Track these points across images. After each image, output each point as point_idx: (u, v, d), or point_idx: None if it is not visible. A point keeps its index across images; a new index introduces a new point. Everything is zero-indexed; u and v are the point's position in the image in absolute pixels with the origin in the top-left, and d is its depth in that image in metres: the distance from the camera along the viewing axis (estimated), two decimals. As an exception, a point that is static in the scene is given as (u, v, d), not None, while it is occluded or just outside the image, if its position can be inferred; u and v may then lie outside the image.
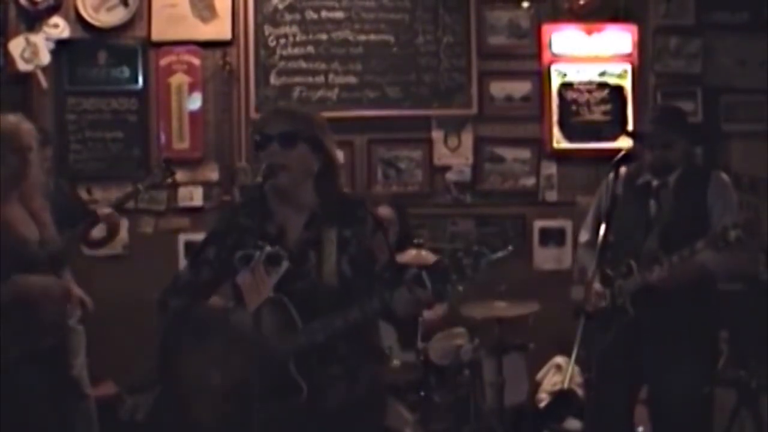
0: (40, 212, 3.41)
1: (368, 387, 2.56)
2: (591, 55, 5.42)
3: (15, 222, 3.28)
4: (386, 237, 2.64)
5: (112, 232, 4.27)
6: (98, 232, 4.38)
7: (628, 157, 3.54)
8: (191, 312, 2.60)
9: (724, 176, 3.60)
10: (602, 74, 5.44)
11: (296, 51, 5.35)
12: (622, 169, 3.59)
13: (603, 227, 3.34)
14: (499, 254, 2.36)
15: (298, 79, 5.35)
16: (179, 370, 2.59)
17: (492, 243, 5.33)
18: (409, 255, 4.36)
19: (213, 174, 5.30)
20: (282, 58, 5.34)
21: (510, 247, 2.40)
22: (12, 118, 3.41)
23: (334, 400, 2.49)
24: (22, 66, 5.19)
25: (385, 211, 4.61)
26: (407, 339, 4.16)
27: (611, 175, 3.49)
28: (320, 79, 5.36)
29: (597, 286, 3.48)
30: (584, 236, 3.81)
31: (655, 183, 3.57)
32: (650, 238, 3.50)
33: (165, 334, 2.66)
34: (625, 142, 4.31)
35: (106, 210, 4.20)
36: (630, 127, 5.25)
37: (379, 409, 2.68)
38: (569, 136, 5.43)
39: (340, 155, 5.14)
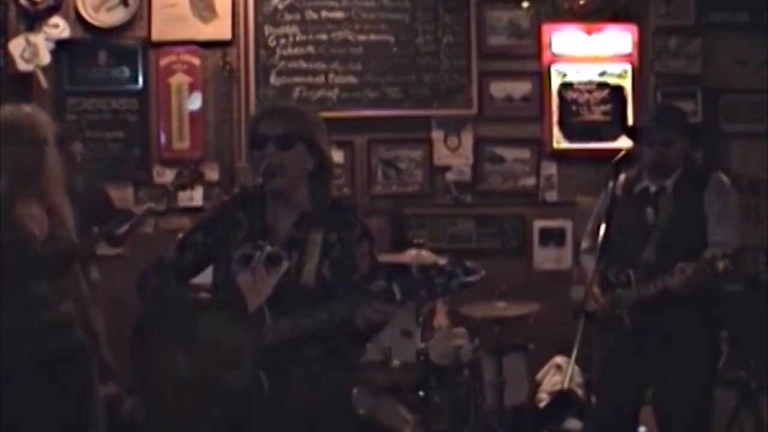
0: (57, 209, 3.31)
1: (330, 393, 2.54)
2: (591, 55, 5.42)
3: (25, 218, 3.21)
4: (372, 247, 2.61)
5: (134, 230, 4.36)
6: (120, 229, 4.46)
7: (628, 157, 3.53)
8: (168, 293, 2.59)
9: (724, 178, 3.55)
10: (602, 74, 5.44)
11: (296, 51, 5.36)
12: (621, 175, 3.58)
13: (602, 228, 3.35)
14: (470, 278, 2.34)
15: (298, 79, 5.35)
16: (149, 357, 2.59)
17: (488, 244, 5.37)
18: (409, 255, 4.35)
19: (213, 174, 5.30)
20: (282, 58, 5.35)
21: (483, 272, 2.38)
22: (28, 109, 3.31)
23: (293, 403, 2.47)
24: (23, 66, 5.19)
25: (374, 222, 4.63)
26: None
27: (611, 176, 3.49)
28: (320, 79, 5.36)
29: (596, 290, 3.46)
30: (585, 243, 3.81)
31: (653, 189, 3.54)
32: (648, 248, 3.47)
33: (139, 317, 2.67)
34: (625, 142, 4.31)
35: (143, 209, 4.26)
36: (630, 123, 5.25)
37: (339, 417, 2.64)
38: (569, 136, 5.43)
39: (339, 155, 5.24)
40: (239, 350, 2.42)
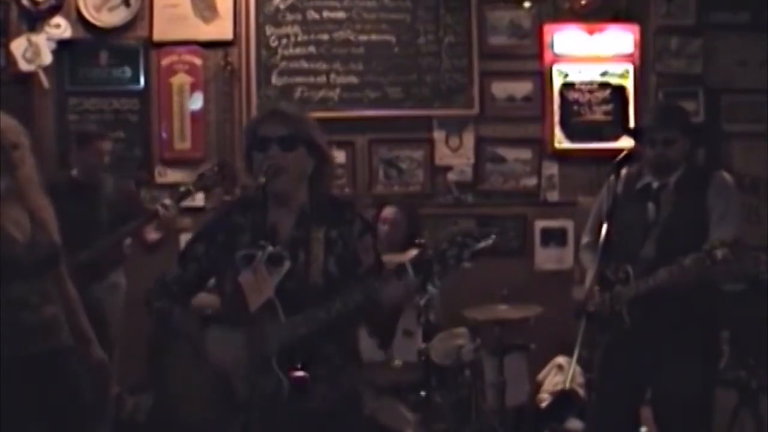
0: (37, 211, 3.31)
1: (349, 388, 2.57)
2: (592, 55, 5.43)
3: (3, 222, 3.21)
4: (374, 240, 2.63)
5: (166, 232, 4.34)
6: (154, 235, 4.45)
7: (630, 157, 3.53)
8: (175, 313, 2.60)
9: (727, 176, 3.54)
10: (604, 74, 5.44)
11: (298, 51, 5.36)
12: (623, 170, 3.57)
13: (605, 227, 3.34)
14: (482, 244, 2.35)
15: (299, 79, 5.36)
16: (166, 369, 2.60)
17: (479, 232, 5.35)
18: (410, 255, 4.35)
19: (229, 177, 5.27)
20: (283, 58, 5.35)
21: (493, 236, 2.39)
22: None
23: (316, 402, 2.48)
24: (24, 66, 5.20)
25: (388, 211, 4.63)
26: (384, 339, 4.11)
27: (612, 175, 3.49)
28: (322, 79, 5.36)
29: (595, 289, 3.46)
30: (585, 239, 3.80)
31: (655, 185, 3.53)
32: (648, 244, 3.46)
33: (152, 335, 2.67)
34: (626, 142, 4.31)
35: (165, 203, 4.24)
36: (631, 124, 5.25)
37: (358, 410, 2.68)
38: (571, 136, 5.43)
39: (340, 155, 5.24)
40: (253, 357, 2.43)
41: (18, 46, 5.19)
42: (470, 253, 2.34)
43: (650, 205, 3.52)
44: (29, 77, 5.22)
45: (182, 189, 4.40)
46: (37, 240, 3.22)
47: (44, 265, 3.25)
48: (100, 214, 4.45)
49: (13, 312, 3.16)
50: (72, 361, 3.33)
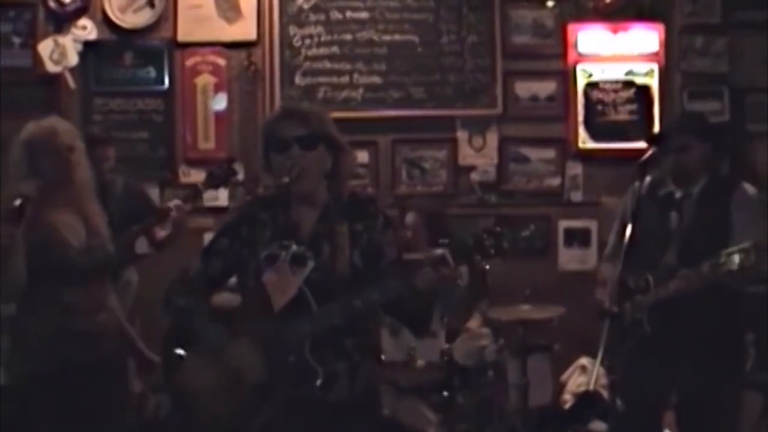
0: (91, 218, 3.32)
1: (367, 384, 2.59)
2: (617, 54, 5.40)
3: (60, 226, 3.20)
4: (395, 235, 2.66)
5: (178, 231, 4.35)
6: (162, 233, 4.46)
7: (654, 157, 3.50)
8: (195, 314, 2.60)
9: (750, 189, 3.49)
10: (628, 73, 5.41)
11: (321, 51, 5.37)
12: (647, 177, 3.53)
13: (629, 229, 3.31)
14: (522, 234, 2.38)
15: (322, 79, 5.37)
16: (184, 368, 2.61)
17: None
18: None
19: (238, 174, 5.30)
20: (307, 58, 5.36)
21: (532, 226, 2.42)
22: (47, 121, 3.32)
23: (336, 396, 2.51)
24: (51, 67, 5.26)
25: (409, 217, 4.64)
26: (419, 328, 4.09)
27: (637, 181, 3.46)
28: (345, 79, 5.37)
29: (604, 292, 3.45)
30: (608, 249, 3.78)
31: (678, 194, 3.51)
32: (669, 253, 3.43)
33: (169, 332, 2.68)
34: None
35: (176, 204, 4.27)
36: (651, 132, 5.19)
37: (375, 405, 2.72)
38: (595, 135, 5.41)
39: (363, 155, 5.25)
40: (286, 341, 2.45)
41: (45, 47, 5.25)
42: (509, 244, 2.37)
43: (673, 215, 3.49)
44: (56, 78, 5.28)
45: (194, 188, 4.40)
46: (91, 245, 3.24)
47: (98, 271, 3.27)
48: (110, 214, 4.47)
49: (67, 318, 3.18)
50: (120, 367, 3.36)
